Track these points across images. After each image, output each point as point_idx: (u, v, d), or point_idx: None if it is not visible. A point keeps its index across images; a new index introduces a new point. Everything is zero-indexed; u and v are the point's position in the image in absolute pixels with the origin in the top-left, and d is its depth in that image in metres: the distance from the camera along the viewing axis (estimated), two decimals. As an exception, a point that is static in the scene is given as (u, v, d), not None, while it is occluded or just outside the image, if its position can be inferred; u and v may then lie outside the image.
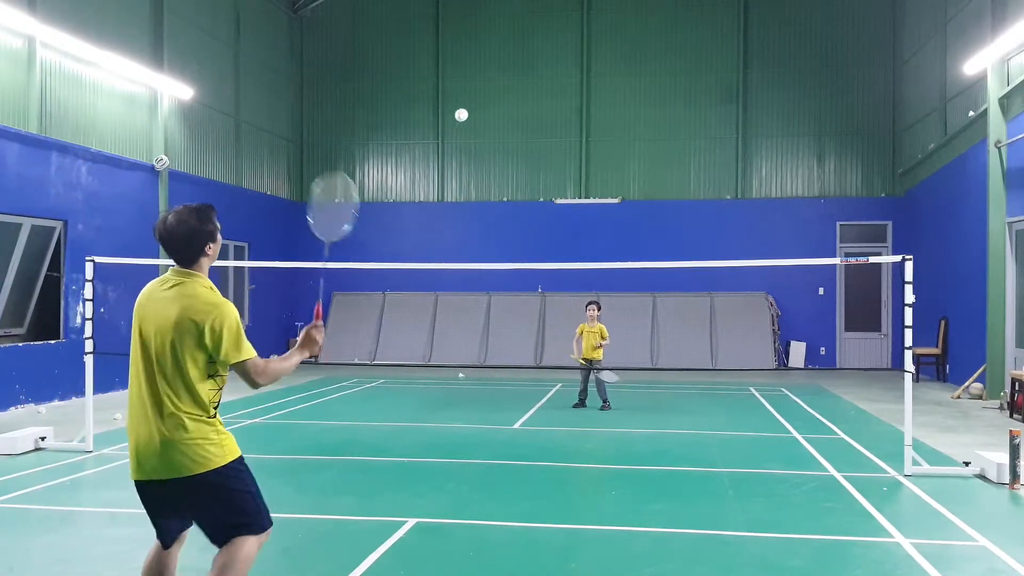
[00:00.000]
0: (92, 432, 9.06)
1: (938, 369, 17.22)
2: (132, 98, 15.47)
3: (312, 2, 21.89)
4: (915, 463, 8.05)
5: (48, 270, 13.47)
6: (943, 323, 16.79)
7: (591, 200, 21.07)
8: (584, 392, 12.87)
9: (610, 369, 12.85)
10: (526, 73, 21.43)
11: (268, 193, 20.68)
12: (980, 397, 13.91)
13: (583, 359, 12.72)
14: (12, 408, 12.29)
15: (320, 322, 4.22)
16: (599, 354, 12.66)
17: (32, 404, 12.64)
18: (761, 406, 13.21)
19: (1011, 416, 11.98)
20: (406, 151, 22.05)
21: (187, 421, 3.65)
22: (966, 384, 14.32)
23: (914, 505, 7.00)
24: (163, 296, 3.76)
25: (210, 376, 3.75)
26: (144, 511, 3.83)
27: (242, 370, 3.77)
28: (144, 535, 6.04)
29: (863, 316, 20.22)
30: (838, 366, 19.88)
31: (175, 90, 16.16)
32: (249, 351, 3.77)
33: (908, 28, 19.34)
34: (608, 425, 11.23)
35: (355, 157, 22.24)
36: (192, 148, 17.39)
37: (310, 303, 21.71)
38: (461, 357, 19.81)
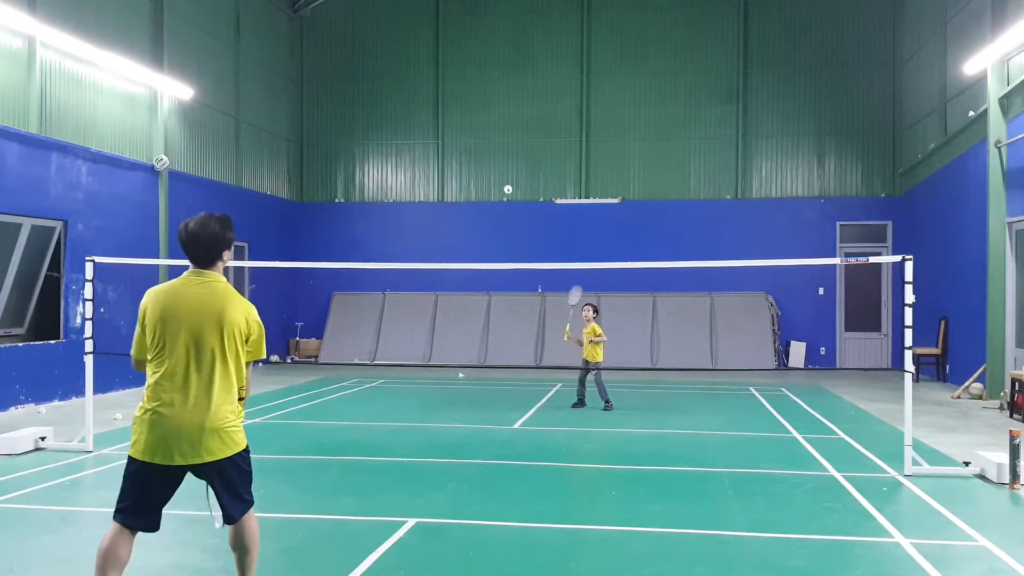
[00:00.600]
0: (92, 432, 9.06)
1: (938, 369, 17.22)
2: (132, 98, 15.47)
3: (312, 2, 21.89)
4: (915, 463, 8.05)
5: (48, 270, 13.46)
6: (943, 323, 16.79)
7: (591, 200, 21.07)
8: (582, 392, 12.88)
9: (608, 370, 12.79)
10: (526, 73, 21.43)
11: (268, 193, 20.69)
12: (980, 397, 13.91)
13: (583, 359, 12.76)
14: (12, 408, 12.29)
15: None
16: (598, 355, 12.64)
17: (32, 404, 12.64)
18: (761, 406, 13.21)
19: (1011, 416, 11.98)
20: (406, 151, 22.05)
21: (227, 408, 4.03)
22: (966, 384, 14.32)
23: (914, 505, 7.00)
24: (196, 292, 4.08)
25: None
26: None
27: (248, 369, 4.20)
28: (143, 536, 6.04)
29: (863, 316, 20.22)
30: (838, 366, 19.88)
31: (175, 90, 16.17)
32: (262, 352, 4.23)
33: (908, 28, 19.34)
34: (608, 425, 11.23)
35: (355, 157, 22.25)
36: (192, 148, 17.39)
37: (310, 303, 21.75)
38: (461, 357, 19.81)
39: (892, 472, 8.12)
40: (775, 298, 20.22)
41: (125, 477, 4.04)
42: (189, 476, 4.11)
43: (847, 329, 20.25)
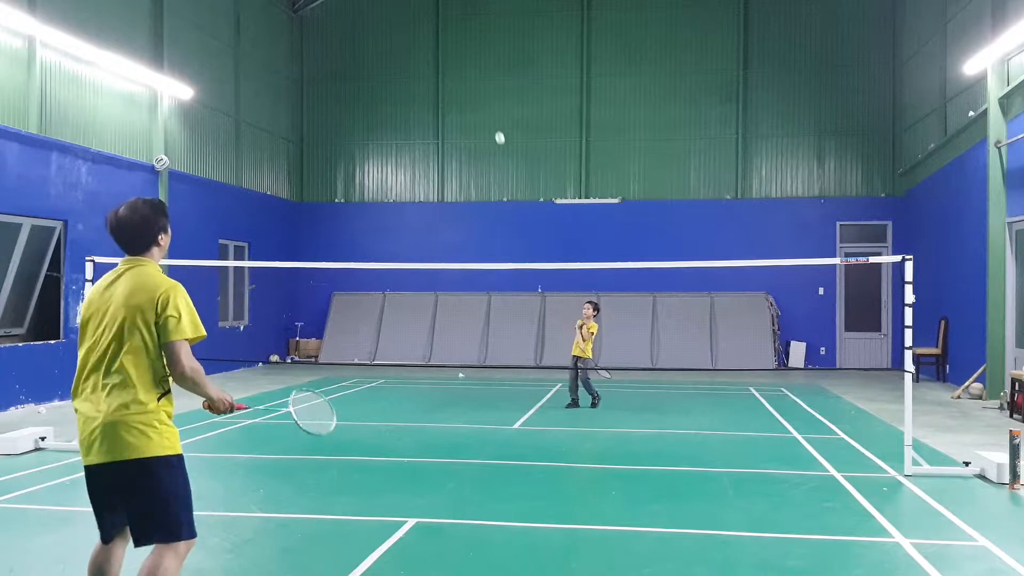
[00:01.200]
0: (92, 432, 9.04)
1: (938, 369, 17.22)
2: (132, 98, 15.47)
3: (312, 2, 21.89)
4: (915, 463, 8.05)
5: (48, 270, 13.46)
6: (943, 323, 16.78)
7: (591, 200, 21.07)
8: (574, 392, 12.88)
9: (605, 369, 12.84)
10: (526, 73, 21.43)
11: (268, 193, 20.69)
12: (980, 397, 13.91)
13: (572, 356, 12.81)
14: (12, 408, 12.29)
15: (235, 409, 4.07)
16: (587, 352, 12.69)
17: (32, 404, 12.65)
18: (761, 406, 13.21)
19: (1011, 416, 11.98)
20: (406, 151, 22.05)
21: (131, 400, 3.62)
22: (966, 384, 14.32)
23: (914, 505, 7.00)
24: (111, 283, 3.80)
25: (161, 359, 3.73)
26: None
27: (170, 352, 3.68)
28: (144, 535, 6.06)
29: (863, 316, 20.23)
30: (838, 366, 19.88)
31: (175, 90, 16.17)
32: (184, 332, 3.69)
33: (908, 28, 19.34)
34: (608, 425, 11.23)
35: (355, 157, 22.25)
36: (192, 148, 17.39)
37: (310, 303, 21.74)
38: (461, 357, 19.81)
39: (892, 472, 8.12)
40: (775, 298, 20.22)
41: None
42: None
43: (847, 329, 20.25)
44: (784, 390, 15.32)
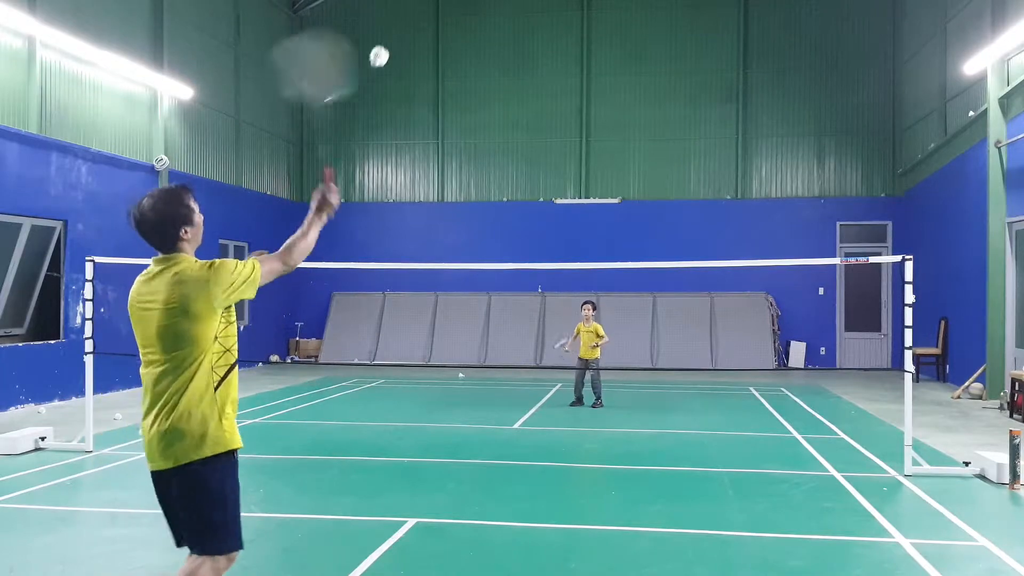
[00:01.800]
0: (92, 432, 9.06)
1: (938, 369, 17.22)
2: (132, 98, 15.47)
3: (312, 2, 21.89)
4: (915, 463, 8.05)
5: (48, 270, 13.46)
6: (943, 323, 16.78)
7: (591, 200, 21.07)
8: (579, 391, 12.91)
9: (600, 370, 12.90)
10: (526, 73, 21.43)
11: (268, 193, 20.69)
12: (980, 397, 13.91)
13: (579, 357, 12.82)
14: (12, 408, 12.29)
15: (333, 184, 3.96)
16: (595, 353, 12.72)
17: (32, 404, 12.64)
18: (761, 406, 13.21)
19: (1011, 416, 11.98)
20: (406, 151, 22.05)
21: (186, 404, 3.45)
22: (966, 384, 14.32)
23: (914, 505, 7.00)
24: (148, 286, 3.59)
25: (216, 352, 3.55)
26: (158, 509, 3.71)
27: (266, 273, 3.60)
28: (143, 535, 6.06)
29: (863, 316, 20.22)
30: (838, 366, 19.88)
31: (175, 90, 16.16)
32: (253, 264, 3.58)
33: (908, 28, 19.34)
34: (608, 425, 11.23)
35: (355, 157, 22.25)
36: (192, 148, 17.39)
37: (310, 303, 21.72)
38: (461, 357, 19.81)
39: (892, 472, 8.12)
40: (775, 298, 20.21)
41: None
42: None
43: (847, 329, 20.25)
44: (784, 390, 15.32)
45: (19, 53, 12.74)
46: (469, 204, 21.66)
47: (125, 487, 7.59)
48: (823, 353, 20.12)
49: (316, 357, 20.89)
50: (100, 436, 9.53)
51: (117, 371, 14.25)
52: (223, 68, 18.68)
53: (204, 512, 3.51)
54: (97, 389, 10.74)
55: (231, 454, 3.58)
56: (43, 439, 9.08)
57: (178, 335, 3.48)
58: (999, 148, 13.78)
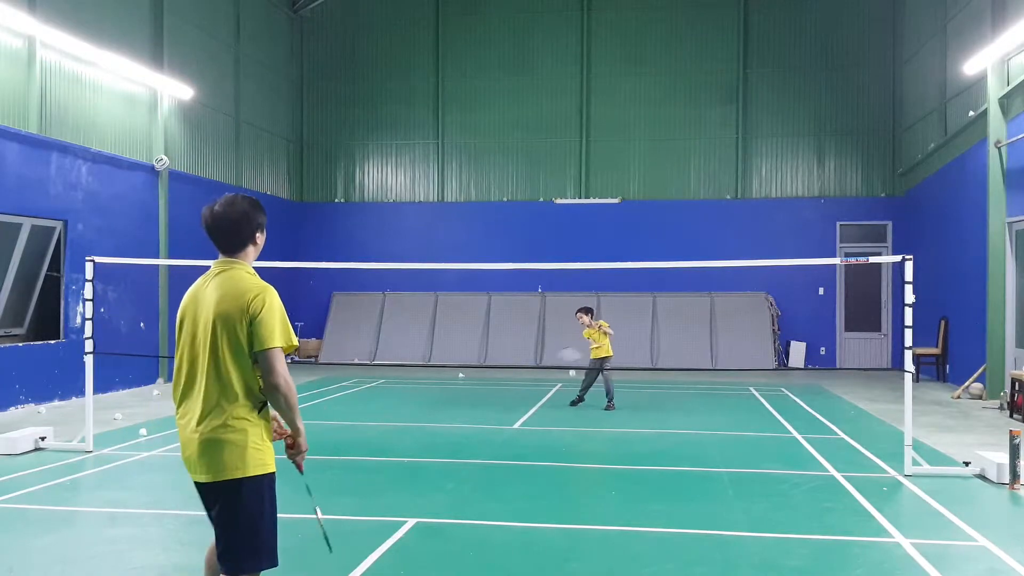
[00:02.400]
0: (92, 432, 9.06)
1: (938, 369, 17.22)
2: (132, 98, 15.47)
3: (312, 2, 21.89)
4: (915, 463, 8.05)
5: (48, 270, 13.46)
6: (943, 323, 16.78)
7: (591, 200, 21.07)
8: (586, 390, 12.87)
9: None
10: (526, 73, 21.43)
11: (268, 193, 20.68)
12: (980, 397, 13.91)
13: (591, 359, 12.83)
14: (12, 408, 12.28)
15: (297, 443, 4.04)
16: (604, 352, 12.67)
17: (32, 404, 12.64)
18: (761, 406, 13.21)
19: (1011, 416, 11.98)
20: (406, 151, 22.05)
21: (224, 415, 3.44)
22: (966, 384, 14.32)
23: (914, 505, 7.00)
24: (206, 287, 3.57)
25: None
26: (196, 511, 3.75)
27: (264, 360, 3.44)
28: (143, 535, 6.06)
29: (863, 316, 20.22)
30: (838, 366, 19.88)
31: (175, 90, 16.16)
32: (278, 339, 3.45)
33: (908, 28, 19.34)
34: (608, 425, 11.23)
35: (355, 157, 22.25)
36: (192, 148, 17.39)
37: (310, 303, 21.72)
38: (461, 357, 19.81)
39: (892, 472, 8.12)
40: (775, 298, 20.21)
41: None
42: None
43: (847, 329, 20.25)
44: (784, 390, 15.32)
45: (19, 53, 12.74)
46: (469, 204, 21.66)
47: (125, 487, 7.59)
48: (823, 353, 20.12)
49: (316, 357, 20.89)
50: (100, 436, 9.53)
51: (117, 371, 14.25)
52: (223, 68, 18.67)
53: (242, 531, 3.61)
54: (97, 389, 10.75)
55: (271, 476, 3.70)
56: (43, 439, 9.08)
57: (233, 340, 3.47)
58: (999, 148, 13.78)
